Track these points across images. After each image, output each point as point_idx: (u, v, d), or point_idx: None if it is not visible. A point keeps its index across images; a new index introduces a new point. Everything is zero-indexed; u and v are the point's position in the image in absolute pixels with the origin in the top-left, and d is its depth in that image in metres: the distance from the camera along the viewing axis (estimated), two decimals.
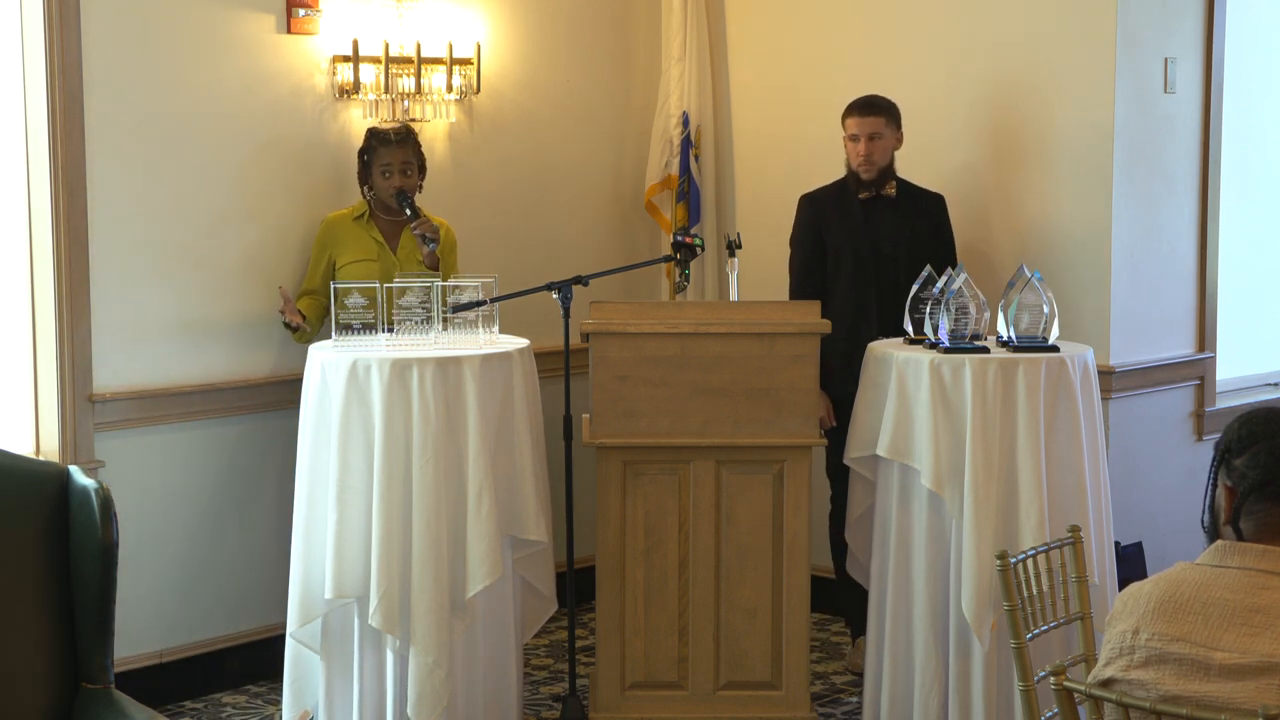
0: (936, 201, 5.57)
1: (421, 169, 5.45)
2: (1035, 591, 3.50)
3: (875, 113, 5.43)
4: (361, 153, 5.42)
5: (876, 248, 5.44)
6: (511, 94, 6.09)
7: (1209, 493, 2.69)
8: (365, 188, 5.43)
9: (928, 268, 4.91)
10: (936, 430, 4.60)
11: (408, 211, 5.32)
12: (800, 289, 5.56)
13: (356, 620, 4.57)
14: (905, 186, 5.53)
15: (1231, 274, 6.21)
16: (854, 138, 5.45)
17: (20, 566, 3.21)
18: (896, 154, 5.51)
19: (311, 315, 5.31)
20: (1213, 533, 2.68)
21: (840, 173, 5.59)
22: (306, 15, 5.48)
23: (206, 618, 5.39)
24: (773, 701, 4.87)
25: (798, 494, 4.82)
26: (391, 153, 5.35)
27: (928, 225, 5.49)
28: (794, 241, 5.61)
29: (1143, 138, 5.69)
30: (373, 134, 5.42)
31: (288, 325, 5.29)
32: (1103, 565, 4.70)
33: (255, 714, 5.25)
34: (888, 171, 5.47)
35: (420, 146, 5.45)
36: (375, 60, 5.59)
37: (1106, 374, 5.51)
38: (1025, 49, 5.73)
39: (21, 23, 4.92)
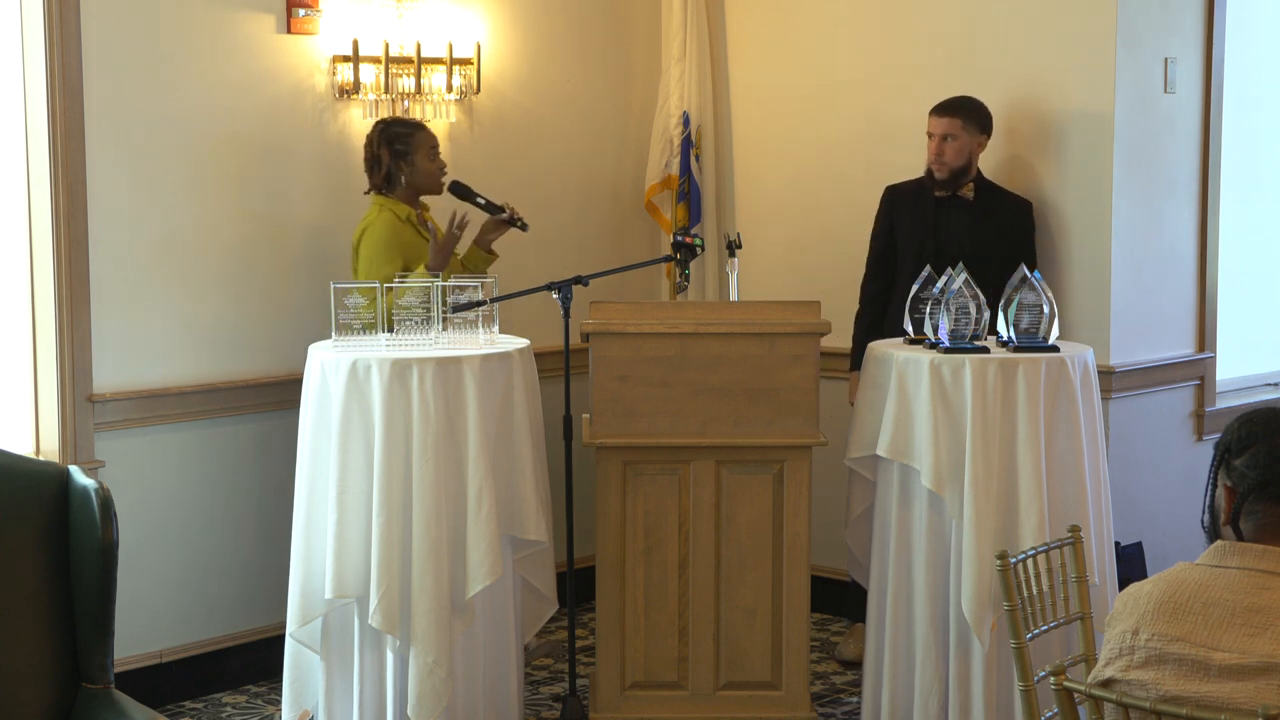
0: (1019, 207, 5.58)
1: None
2: (1035, 591, 3.50)
3: (951, 113, 5.47)
4: (389, 142, 5.27)
5: (942, 248, 5.45)
6: (511, 94, 6.10)
7: (1209, 493, 2.69)
8: (400, 181, 5.28)
9: (927, 268, 4.91)
10: (936, 430, 4.60)
11: (479, 201, 5.37)
12: (868, 279, 5.70)
13: (356, 620, 4.57)
14: (988, 190, 5.55)
15: (1231, 274, 6.21)
16: (930, 135, 5.50)
17: (20, 566, 3.21)
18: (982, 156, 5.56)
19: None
20: (1213, 533, 2.68)
21: (838, 171, 5.60)
22: (306, 15, 5.49)
23: (206, 618, 5.39)
24: (773, 701, 4.86)
25: (798, 494, 4.82)
26: (431, 135, 5.35)
27: (1000, 230, 5.49)
28: (872, 231, 5.70)
29: (1143, 138, 5.69)
30: (398, 121, 5.35)
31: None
32: (1103, 565, 4.70)
33: (255, 714, 5.25)
34: (962, 172, 5.49)
35: None
36: (375, 60, 5.59)
37: (1106, 374, 5.51)
38: (1026, 49, 5.73)
39: (21, 23, 4.93)
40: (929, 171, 5.54)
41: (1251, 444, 2.61)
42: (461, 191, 5.38)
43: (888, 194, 5.68)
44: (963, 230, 5.48)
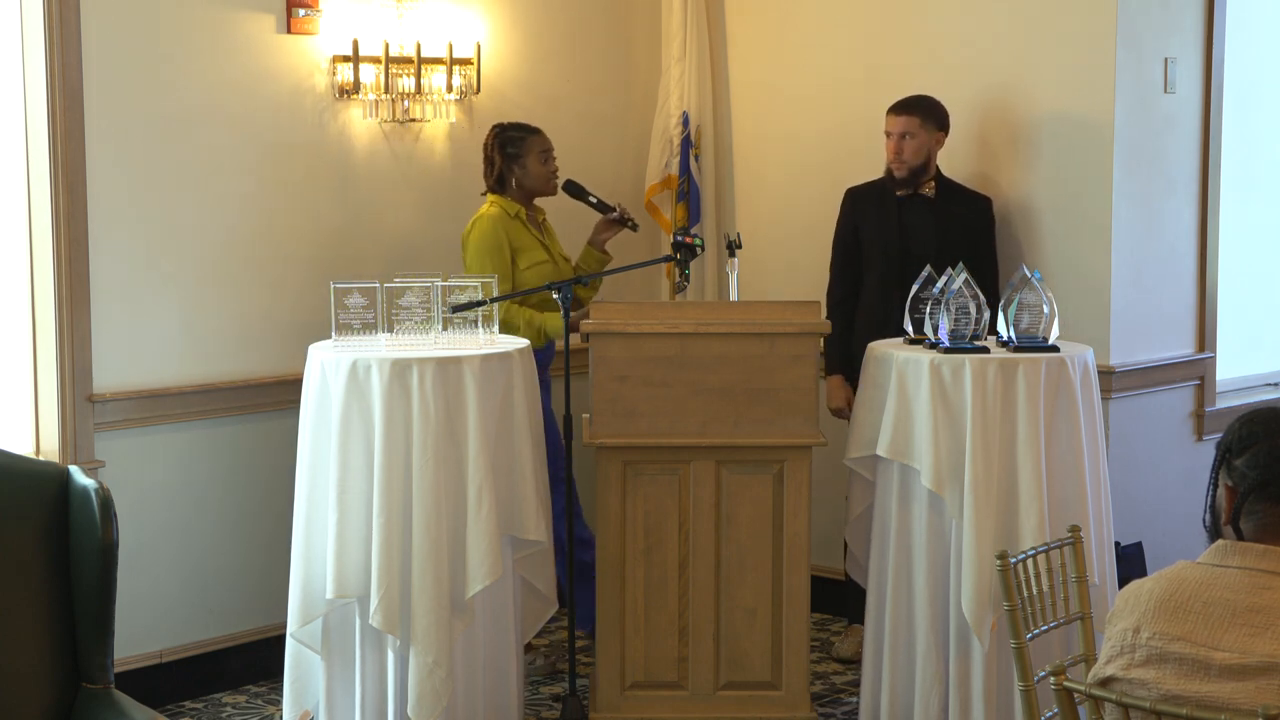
0: (979, 204, 5.60)
1: None
2: (1035, 591, 3.51)
3: (908, 112, 5.49)
4: (502, 146, 5.44)
5: (906, 247, 5.47)
6: (511, 94, 6.09)
7: (1210, 492, 2.70)
8: (511, 184, 5.43)
9: (927, 268, 4.91)
10: (936, 430, 4.60)
11: (591, 200, 5.48)
12: (834, 283, 5.69)
13: (357, 620, 4.57)
14: (948, 187, 5.57)
15: (1231, 274, 6.21)
16: (888, 134, 5.51)
17: (20, 566, 3.21)
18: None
19: (534, 318, 5.30)
20: (1214, 532, 2.68)
21: (837, 171, 5.60)
22: (306, 15, 5.48)
23: (206, 618, 5.39)
24: (773, 701, 4.86)
25: (798, 494, 4.81)
26: (545, 139, 5.49)
27: (964, 227, 5.51)
28: (834, 235, 5.69)
29: (1143, 138, 5.69)
30: (513, 126, 5.49)
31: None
32: (1103, 565, 4.70)
33: (255, 714, 5.25)
34: (921, 171, 5.50)
35: None
36: (375, 60, 5.59)
37: (1106, 374, 5.51)
38: (1025, 49, 5.73)
39: (21, 23, 4.92)
40: (888, 171, 5.55)
41: (1252, 444, 2.62)
42: (575, 190, 5.50)
43: (849, 196, 5.69)
44: (928, 229, 5.49)
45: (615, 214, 5.52)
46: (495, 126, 5.52)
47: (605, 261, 5.58)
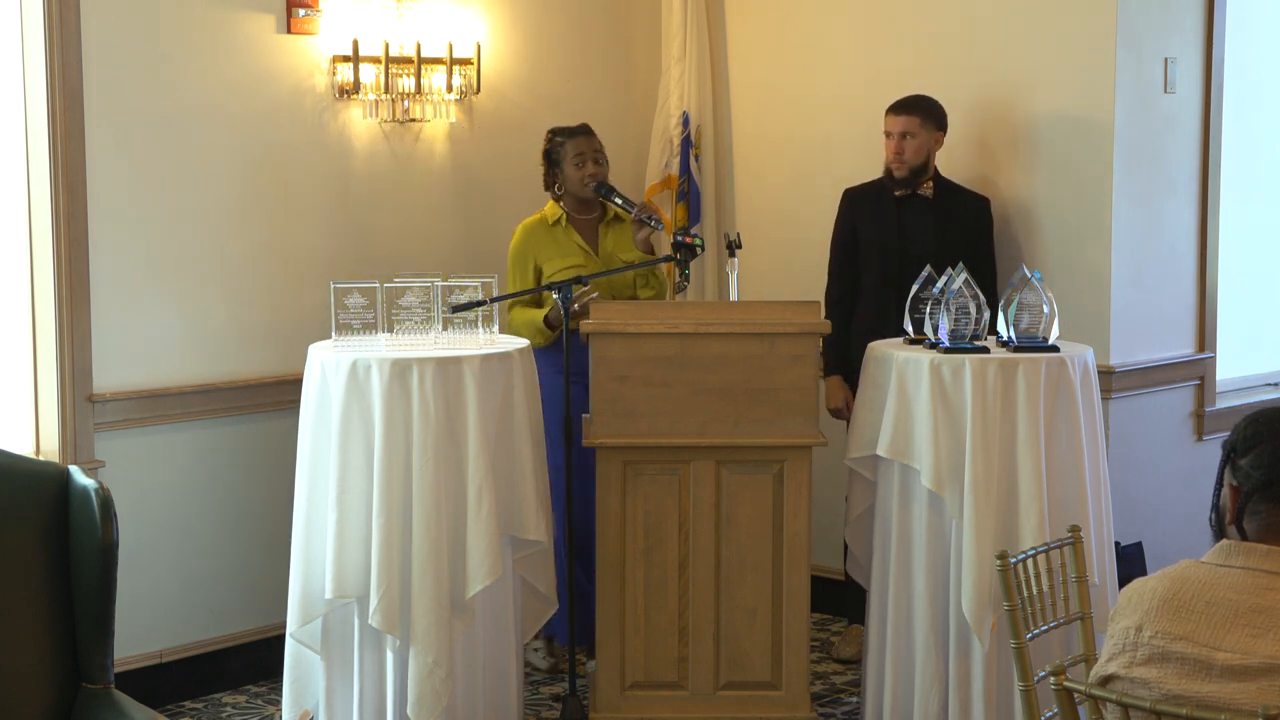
0: (978, 204, 5.60)
1: (607, 163, 5.56)
2: (1035, 591, 3.51)
3: (908, 111, 5.49)
4: (546, 153, 5.51)
5: (905, 247, 5.48)
6: (511, 94, 6.09)
7: (1216, 491, 2.70)
8: (555, 189, 5.51)
9: (927, 268, 4.91)
10: (936, 430, 4.60)
11: (617, 200, 5.45)
12: (833, 284, 5.69)
13: (356, 620, 4.57)
14: (947, 187, 5.57)
15: (1231, 274, 6.21)
16: (888, 134, 5.51)
17: (20, 566, 3.21)
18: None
19: (525, 314, 5.37)
20: (1219, 531, 2.68)
21: (837, 172, 5.60)
22: (306, 15, 5.48)
23: (206, 618, 5.39)
24: (773, 701, 4.86)
25: (798, 494, 4.81)
26: (583, 141, 5.49)
27: (963, 227, 5.52)
28: (832, 236, 5.70)
29: (1143, 138, 5.69)
30: (559, 131, 5.53)
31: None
32: (1103, 565, 4.70)
33: (255, 714, 5.25)
34: (921, 171, 5.51)
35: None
36: (375, 60, 5.59)
37: (1106, 374, 5.51)
38: (1025, 49, 5.73)
39: (21, 23, 4.93)
40: (888, 171, 5.56)
41: (1257, 444, 2.62)
42: (605, 192, 5.50)
43: (846, 197, 5.69)
44: (926, 228, 5.50)
45: (635, 214, 5.49)
46: (548, 131, 5.56)
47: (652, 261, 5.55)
